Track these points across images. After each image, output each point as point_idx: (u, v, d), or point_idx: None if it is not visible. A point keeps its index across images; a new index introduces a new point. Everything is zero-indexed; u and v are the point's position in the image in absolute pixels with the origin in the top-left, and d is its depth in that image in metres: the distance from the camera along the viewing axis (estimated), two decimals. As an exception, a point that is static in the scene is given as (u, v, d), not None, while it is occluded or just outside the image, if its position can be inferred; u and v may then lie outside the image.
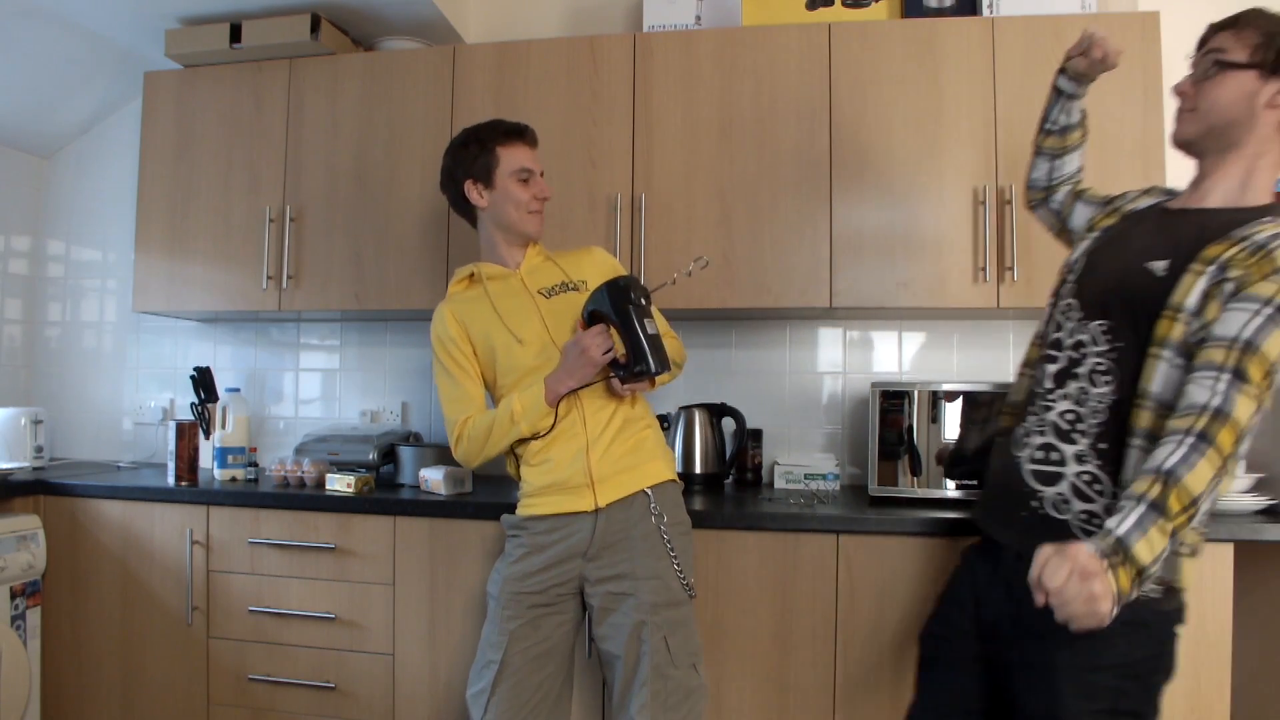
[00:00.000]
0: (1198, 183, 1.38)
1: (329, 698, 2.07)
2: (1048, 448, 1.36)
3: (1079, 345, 1.36)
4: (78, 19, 2.47)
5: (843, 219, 2.16)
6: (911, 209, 2.14)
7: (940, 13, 2.29)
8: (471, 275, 1.79)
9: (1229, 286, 1.21)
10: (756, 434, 2.44)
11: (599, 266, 1.82)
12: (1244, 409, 1.15)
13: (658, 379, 1.66)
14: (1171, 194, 1.47)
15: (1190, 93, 1.34)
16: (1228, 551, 1.73)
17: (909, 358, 2.49)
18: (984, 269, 2.10)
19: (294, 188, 2.43)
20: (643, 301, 1.64)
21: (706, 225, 2.21)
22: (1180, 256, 1.27)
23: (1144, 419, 1.26)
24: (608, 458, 1.67)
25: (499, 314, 1.72)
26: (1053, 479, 1.35)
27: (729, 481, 2.41)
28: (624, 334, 1.61)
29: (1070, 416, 1.35)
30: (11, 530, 2.12)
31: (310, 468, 2.24)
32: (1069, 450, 1.34)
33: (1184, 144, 1.37)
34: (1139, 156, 2.05)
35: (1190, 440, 1.14)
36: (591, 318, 1.66)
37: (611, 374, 1.65)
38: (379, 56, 2.44)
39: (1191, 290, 1.24)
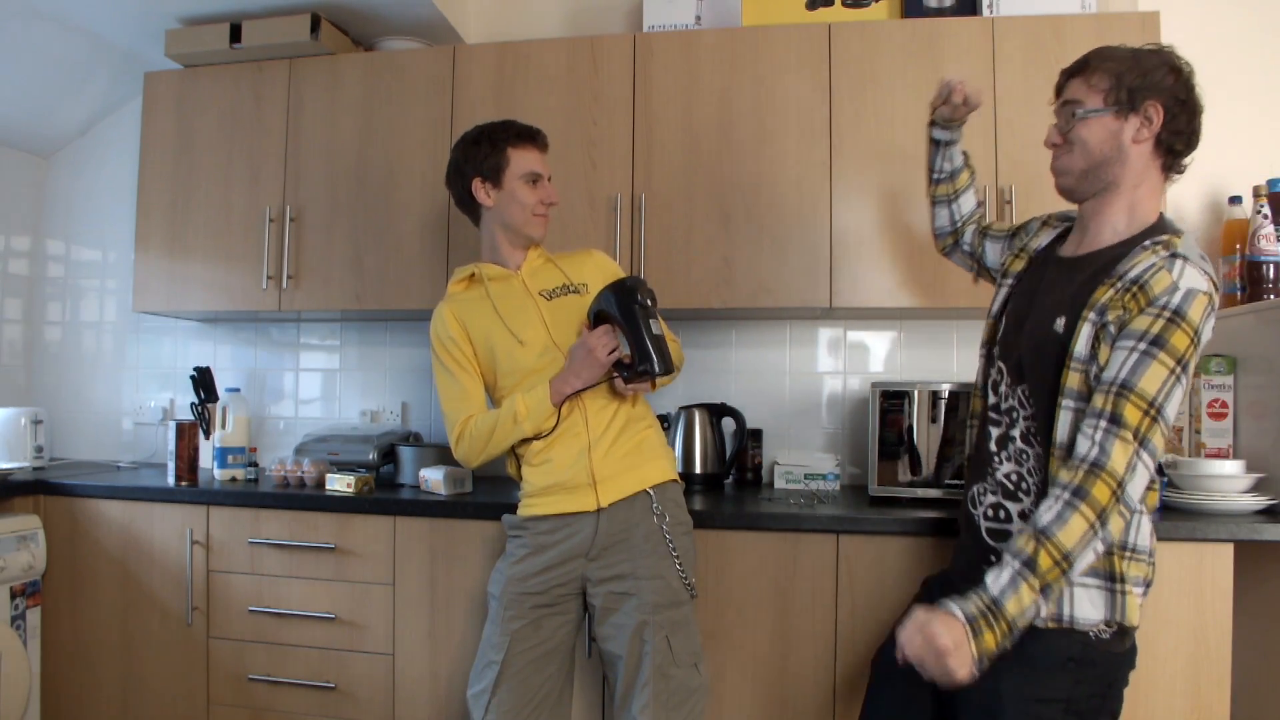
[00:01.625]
0: (1086, 226, 1.41)
1: (329, 698, 2.07)
2: (997, 507, 1.42)
3: (1011, 410, 1.41)
4: (78, 19, 2.47)
5: (843, 219, 2.16)
6: (911, 209, 2.14)
7: (940, 13, 2.29)
8: (472, 275, 1.79)
9: (1111, 328, 1.25)
10: (756, 434, 2.44)
11: (600, 269, 1.82)
12: (1120, 457, 1.19)
13: (659, 380, 1.67)
14: (1068, 218, 1.51)
15: (1060, 143, 1.38)
16: (1228, 551, 1.73)
17: (909, 358, 2.49)
18: (984, 269, 2.10)
19: (294, 188, 2.43)
20: (649, 302, 1.64)
21: (706, 225, 2.21)
22: (1075, 308, 1.31)
23: (1055, 468, 1.31)
24: (610, 457, 1.67)
25: (500, 315, 1.72)
26: (1005, 536, 1.39)
27: (729, 481, 2.41)
28: (630, 334, 1.61)
29: (1014, 477, 1.40)
30: (11, 530, 2.12)
31: (310, 468, 2.24)
32: (1014, 508, 1.39)
33: (1067, 192, 1.41)
34: (1139, 156, 2.05)
35: (1065, 496, 1.20)
36: (597, 318, 1.67)
37: (615, 374, 1.65)
38: (379, 56, 2.44)
39: (1081, 337, 1.28)
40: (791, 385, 2.54)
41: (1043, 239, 1.53)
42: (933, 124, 1.68)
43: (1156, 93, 1.30)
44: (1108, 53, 1.35)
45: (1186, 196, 2.33)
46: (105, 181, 2.92)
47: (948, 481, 2.01)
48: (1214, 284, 1.25)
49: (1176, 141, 1.32)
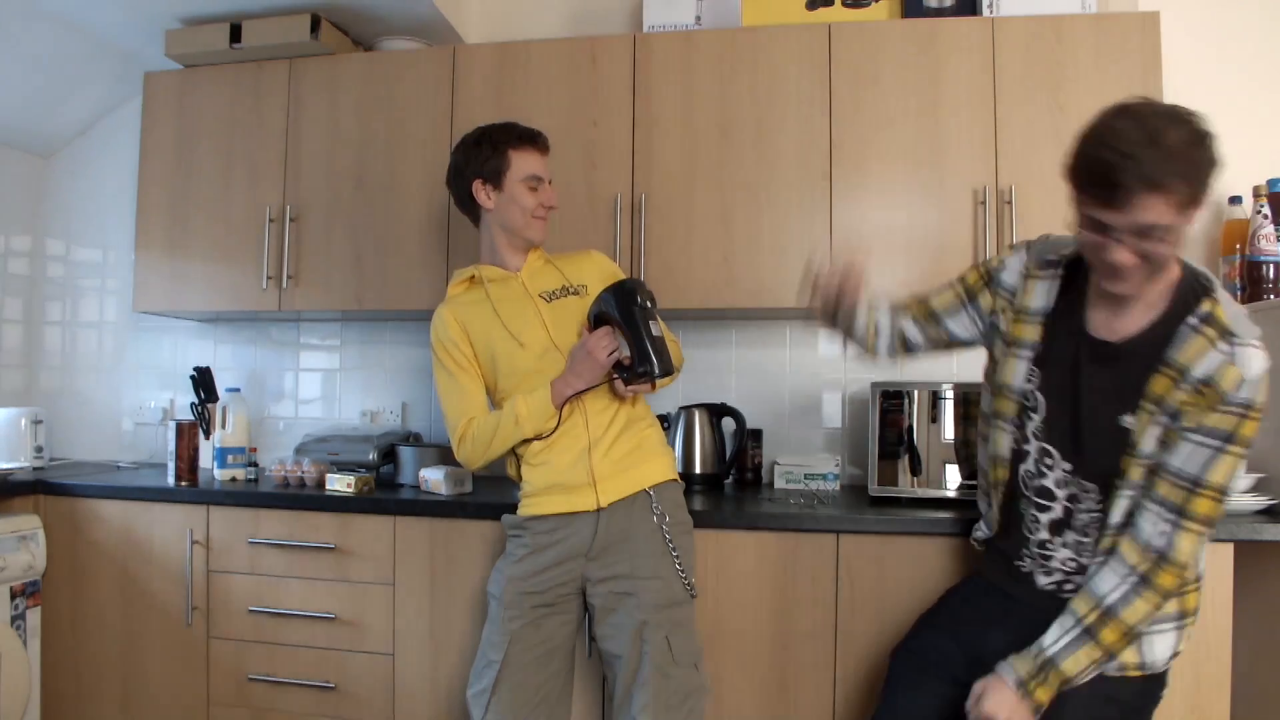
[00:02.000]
0: (1121, 305, 1.32)
1: (329, 698, 2.07)
2: (1060, 583, 1.42)
3: (1072, 498, 1.39)
4: (78, 19, 2.47)
5: (843, 219, 2.16)
6: (912, 209, 2.14)
7: (940, 13, 2.29)
8: (472, 277, 1.79)
9: (1184, 424, 1.25)
10: (756, 434, 2.44)
11: (599, 270, 1.82)
12: (1187, 548, 1.24)
13: (659, 381, 1.67)
14: (1052, 262, 1.42)
15: (1136, 264, 1.22)
16: (1228, 551, 1.73)
17: (909, 358, 2.48)
18: (984, 269, 2.10)
19: (294, 188, 2.43)
20: (648, 304, 1.64)
21: (706, 225, 2.21)
22: (1135, 399, 1.30)
23: (1110, 542, 1.33)
24: (610, 457, 1.67)
25: (500, 317, 1.72)
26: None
27: (729, 481, 2.41)
28: (630, 336, 1.61)
29: (1072, 564, 1.40)
30: (11, 530, 2.12)
31: (310, 468, 2.24)
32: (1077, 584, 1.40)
33: (1125, 294, 1.29)
34: (1139, 156, 2.05)
35: (1133, 580, 1.26)
36: (597, 320, 1.67)
37: (615, 375, 1.65)
38: (379, 56, 2.44)
39: (1147, 435, 1.28)
40: (791, 385, 2.54)
41: (1039, 296, 1.42)
42: (832, 322, 1.56)
43: (1209, 185, 1.20)
44: (1175, 155, 1.16)
45: (1186, 196, 2.33)
46: (105, 181, 2.92)
47: (956, 482, 2.01)
48: (1263, 341, 1.25)
49: None
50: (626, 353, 1.63)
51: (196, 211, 2.48)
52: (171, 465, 2.29)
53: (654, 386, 1.69)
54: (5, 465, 2.49)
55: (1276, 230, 2.10)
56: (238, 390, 2.50)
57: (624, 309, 1.62)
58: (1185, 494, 1.24)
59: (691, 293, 2.21)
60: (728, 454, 2.36)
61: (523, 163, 1.74)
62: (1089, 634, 1.25)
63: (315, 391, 2.81)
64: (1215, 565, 1.72)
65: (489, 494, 2.14)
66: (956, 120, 2.12)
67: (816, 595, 1.86)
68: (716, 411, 2.37)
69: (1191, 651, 1.72)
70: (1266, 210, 2.11)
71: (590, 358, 1.62)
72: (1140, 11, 2.10)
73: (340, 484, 2.15)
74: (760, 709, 1.88)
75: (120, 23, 2.49)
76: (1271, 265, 2.10)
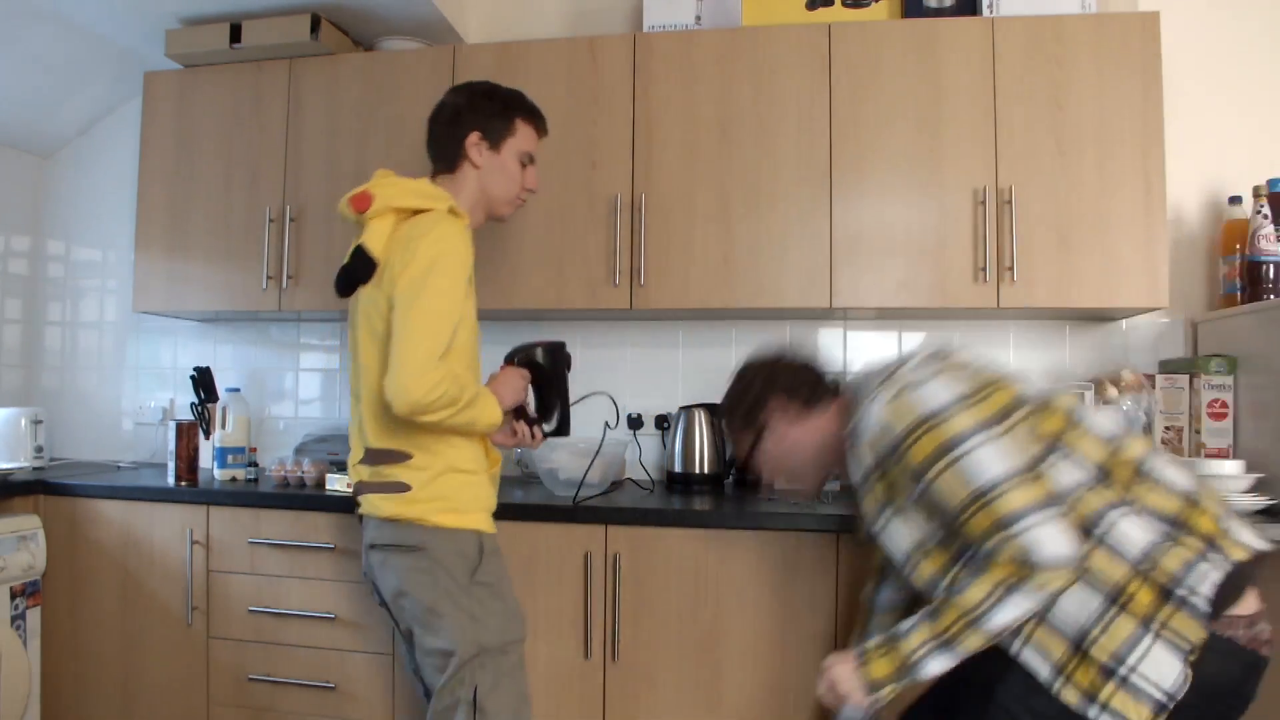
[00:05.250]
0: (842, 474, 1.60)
1: (329, 698, 2.07)
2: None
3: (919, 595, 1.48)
4: (78, 19, 2.47)
5: (843, 219, 2.16)
6: (911, 209, 2.14)
7: (940, 13, 2.29)
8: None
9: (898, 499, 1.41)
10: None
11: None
12: (1007, 552, 1.24)
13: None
14: None
15: (773, 476, 1.65)
16: (1228, 551, 1.72)
17: (909, 358, 2.48)
18: (984, 269, 2.10)
19: (294, 188, 2.43)
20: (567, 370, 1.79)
21: (706, 225, 2.21)
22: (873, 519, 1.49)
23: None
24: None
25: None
26: None
27: (729, 481, 2.41)
28: (558, 396, 1.79)
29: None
30: (11, 530, 2.12)
31: (310, 468, 2.24)
32: None
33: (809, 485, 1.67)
34: (1139, 155, 2.05)
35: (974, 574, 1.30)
36: (518, 365, 1.76)
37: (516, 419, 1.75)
38: (379, 56, 2.45)
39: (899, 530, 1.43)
40: (791, 385, 2.53)
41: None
42: None
43: (754, 415, 1.71)
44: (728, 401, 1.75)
45: (1187, 196, 2.33)
46: (105, 181, 2.92)
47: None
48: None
49: None
50: (533, 406, 1.76)
51: (196, 211, 2.48)
52: (171, 465, 2.29)
53: (537, 443, 1.78)
54: (5, 465, 2.49)
55: (1276, 230, 2.10)
56: (238, 390, 2.50)
57: (558, 371, 1.75)
58: (955, 528, 1.30)
59: (691, 293, 2.21)
60: (728, 454, 2.36)
61: (525, 137, 1.73)
62: (931, 615, 1.29)
63: (315, 391, 2.81)
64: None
65: (489, 494, 2.13)
66: (956, 120, 2.12)
67: (816, 595, 1.86)
68: (717, 411, 2.37)
69: (1191, 651, 1.72)
70: (1266, 210, 2.11)
71: (515, 396, 1.69)
72: (1140, 11, 2.10)
73: (340, 484, 2.15)
74: (760, 709, 1.88)
75: (120, 23, 2.50)
76: (1271, 265, 2.10)
